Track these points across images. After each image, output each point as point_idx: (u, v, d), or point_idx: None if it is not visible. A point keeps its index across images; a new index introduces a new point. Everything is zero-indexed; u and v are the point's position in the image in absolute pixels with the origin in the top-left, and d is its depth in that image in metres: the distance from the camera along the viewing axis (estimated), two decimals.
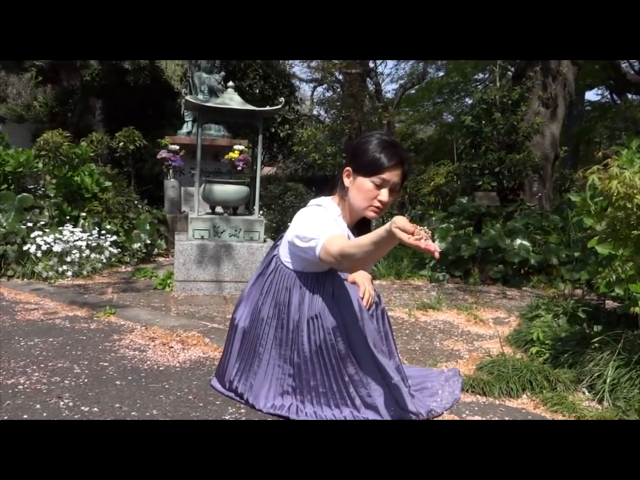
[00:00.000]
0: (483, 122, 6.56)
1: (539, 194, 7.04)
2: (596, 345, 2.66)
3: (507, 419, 2.23)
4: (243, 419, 2.14)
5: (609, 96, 16.80)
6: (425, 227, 1.58)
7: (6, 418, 2.05)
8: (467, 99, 16.37)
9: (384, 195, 2.07)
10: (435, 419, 2.20)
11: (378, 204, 2.09)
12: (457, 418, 2.22)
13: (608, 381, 2.42)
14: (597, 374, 2.50)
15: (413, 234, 1.55)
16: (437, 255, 1.54)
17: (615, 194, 2.26)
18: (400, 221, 1.58)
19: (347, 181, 2.14)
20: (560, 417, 2.26)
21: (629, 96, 14.34)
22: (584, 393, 2.49)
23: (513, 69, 8.92)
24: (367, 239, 1.76)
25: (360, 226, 2.24)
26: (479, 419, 2.22)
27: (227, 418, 2.14)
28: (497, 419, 2.23)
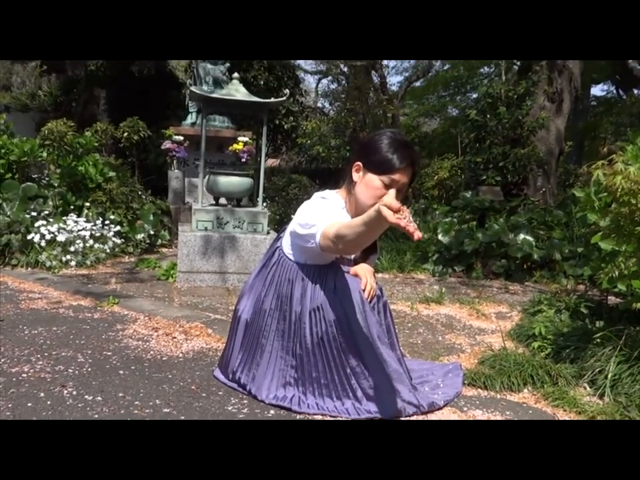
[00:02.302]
0: (488, 116, 6.54)
1: (543, 189, 7.03)
2: (598, 340, 2.66)
3: (508, 413, 2.24)
4: (246, 409, 2.16)
5: (614, 91, 16.70)
6: (408, 209, 1.56)
7: (10, 406, 2.06)
8: (472, 93, 16.31)
9: (391, 195, 2.06)
10: (436, 412, 2.21)
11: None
12: (458, 412, 2.23)
13: (609, 376, 2.42)
14: (598, 369, 2.50)
15: (398, 211, 1.54)
16: (415, 236, 1.52)
17: (619, 190, 2.26)
18: (387, 199, 1.57)
19: (355, 176, 2.14)
20: (561, 412, 2.27)
21: (635, 91, 14.26)
22: (585, 388, 2.49)
23: (518, 63, 8.88)
24: (359, 219, 1.76)
25: None
26: (480, 419, 2.22)
27: (229, 409, 2.16)
28: (498, 412, 2.23)
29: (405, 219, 1.52)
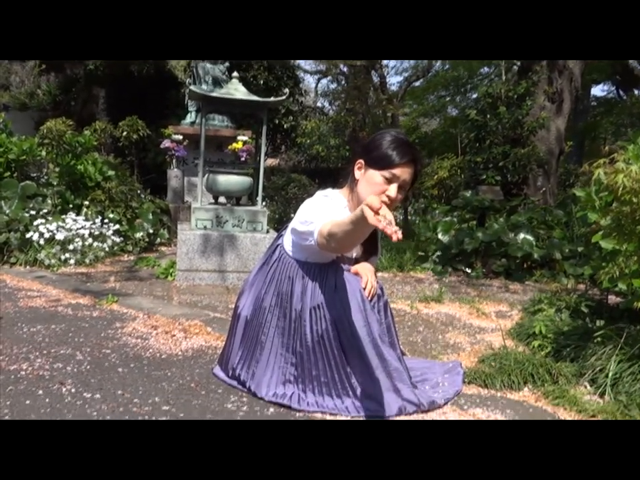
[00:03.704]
0: (488, 116, 6.54)
1: (543, 188, 7.02)
2: (598, 339, 2.66)
3: (508, 411, 2.23)
4: (245, 407, 2.15)
5: (615, 91, 16.71)
6: (386, 213, 1.54)
7: (8, 403, 2.05)
8: (472, 93, 16.31)
9: (392, 190, 2.06)
10: (436, 410, 2.20)
11: (385, 199, 2.08)
12: (458, 410, 2.22)
13: (610, 375, 2.41)
14: (598, 368, 2.50)
15: (378, 212, 1.53)
16: (394, 238, 1.50)
17: (620, 188, 2.25)
18: (370, 199, 1.56)
19: (357, 173, 2.14)
20: (561, 411, 2.26)
21: (635, 92, 14.27)
22: (585, 387, 2.49)
23: (518, 63, 8.87)
24: (347, 218, 1.77)
25: None
26: (480, 419, 2.21)
27: (228, 406, 2.15)
28: (498, 411, 2.23)
29: (385, 221, 1.51)
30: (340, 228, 1.80)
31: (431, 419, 2.13)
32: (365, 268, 2.19)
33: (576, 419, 2.20)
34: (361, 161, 2.13)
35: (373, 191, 2.06)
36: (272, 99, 4.92)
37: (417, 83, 16.60)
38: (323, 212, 2.02)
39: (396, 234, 1.49)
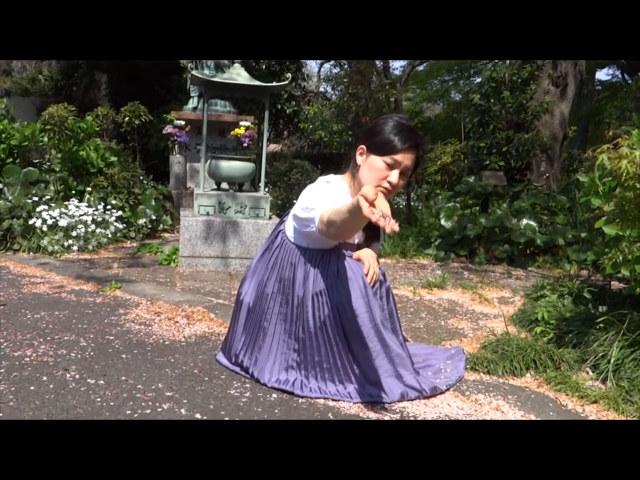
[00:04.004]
0: (492, 100, 6.49)
1: (547, 174, 6.98)
2: (601, 325, 2.66)
3: (510, 397, 2.24)
4: (248, 393, 2.16)
5: (619, 76, 16.58)
6: (382, 204, 1.53)
7: (13, 389, 2.07)
8: (475, 77, 16.19)
9: (394, 176, 2.06)
10: (438, 396, 2.21)
11: (387, 185, 2.08)
12: (460, 396, 2.23)
13: (612, 361, 2.42)
14: (601, 354, 2.50)
15: (373, 203, 1.52)
16: (388, 230, 1.49)
17: (624, 174, 2.23)
18: (365, 189, 1.55)
19: (359, 159, 2.14)
20: (563, 396, 2.27)
21: None
22: (587, 373, 2.49)
23: None
24: (344, 206, 1.76)
25: None
26: (482, 418, 2.22)
27: (231, 392, 2.16)
28: (500, 397, 2.23)
29: (379, 213, 1.50)
30: (338, 216, 1.79)
31: (433, 406, 2.14)
32: (367, 254, 2.19)
33: (578, 404, 2.21)
34: (363, 146, 2.12)
35: (375, 177, 2.06)
36: (274, 84, 4.89)
37: (421, 67, 16.49)
38: (324, 198, 2.02)
39: (390, 227, 1.48)
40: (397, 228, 1.50)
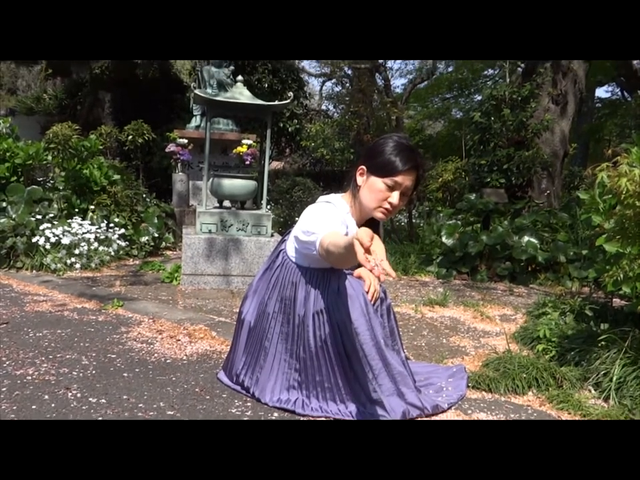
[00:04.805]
0: (492, 118, 6.53)
1: (548, 191, 7.00)
2: (602, 343, 2.65)
3: (512, 415, 2.23)
4: (249, 412, 2.16)
5: (619, 93, 16.68)
6: (378, 260, 1.51)
7: (15, 408, 2.07)
8: (476, 95, 16.29)
9: (395, 197, 2.06)
10: (440, 414, 2.20)
11: (388, 206, 2.08)
12: (462, 414, 2.23)
13: (614, 379, 2.41)
14: (603, 372, 2.49)
15: (368, 250, 1.51)
16: (382, 278, 1.47)
17: (624, 192, 2.25)
18: (360, 233, 1.51)
19: (359, 179, 2.14)
20: (565, 415, 2.26)
21: None
22: (590, 391, 2.48)
23: (523, 65, 8.86)
24: (342, 241, 1.72)
25: (369, 225, 2.23)
26: (483, 419, 2.21)
27: (233, 411, 2.16)
28: (502, 415, 2.23)
29: (373, 262, 1.48)
30: (336, 249, 1.77)
31: (433, 420, 2.13)
32: (367, 271, 2.18)
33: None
34: (363, 167, 2.13)
35: (376, 198, 2.07)
36: (276, 102, 4.93)
37: (422, 85, 16.60)
38: (325, 221, 2.00)
39: (384, 275, 1.47)
40: (393, 274, 1.50)
